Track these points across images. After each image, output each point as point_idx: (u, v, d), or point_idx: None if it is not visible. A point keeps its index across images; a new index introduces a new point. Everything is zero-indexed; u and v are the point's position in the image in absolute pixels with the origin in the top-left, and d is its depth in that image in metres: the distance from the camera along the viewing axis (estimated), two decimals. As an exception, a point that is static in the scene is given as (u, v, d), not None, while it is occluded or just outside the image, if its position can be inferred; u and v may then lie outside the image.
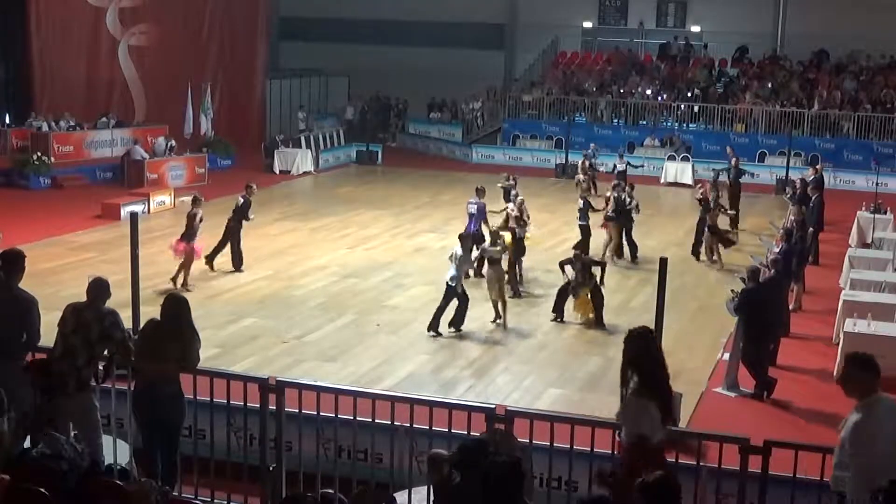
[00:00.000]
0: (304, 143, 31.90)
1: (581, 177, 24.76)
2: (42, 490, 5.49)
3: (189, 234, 16.21)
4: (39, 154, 25.93)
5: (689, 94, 34.65)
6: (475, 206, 17.82)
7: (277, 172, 29.58)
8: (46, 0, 28.84)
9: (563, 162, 30.44)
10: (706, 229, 19.24)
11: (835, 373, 12.84)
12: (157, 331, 7.76)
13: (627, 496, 5.68)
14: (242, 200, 17.67)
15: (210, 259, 17.32)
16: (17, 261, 8.04)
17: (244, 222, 17.61)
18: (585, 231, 19.04)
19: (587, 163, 25.84)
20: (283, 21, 41.51)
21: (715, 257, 19.09)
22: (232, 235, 17.52)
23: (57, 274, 16.25)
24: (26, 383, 7.95)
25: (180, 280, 16.14)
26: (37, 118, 27.93)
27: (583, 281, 15.05)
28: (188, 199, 24.28)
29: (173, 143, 27.91)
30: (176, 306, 7.80)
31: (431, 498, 6.72)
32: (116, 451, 8.00)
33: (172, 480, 7.57)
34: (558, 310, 15.20)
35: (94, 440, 7.74)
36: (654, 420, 6.52)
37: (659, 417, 6.55)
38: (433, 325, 14.20)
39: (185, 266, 16.20)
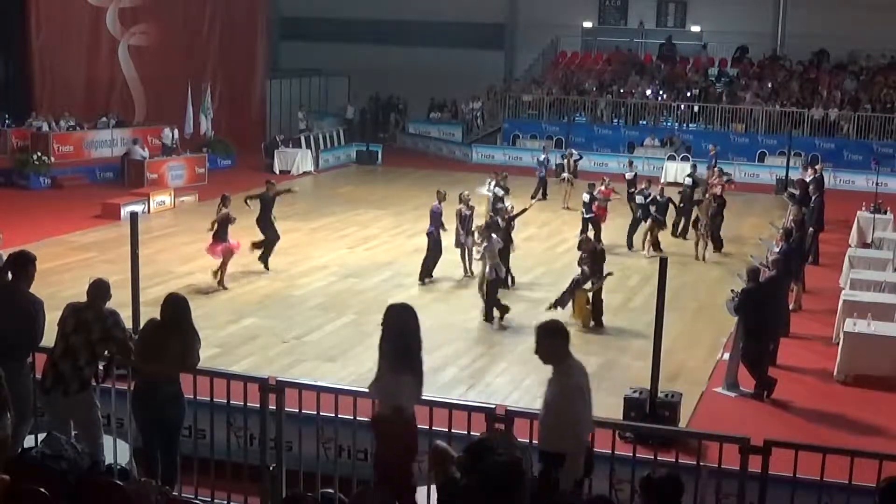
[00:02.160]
0: (304, 143, 31.92)
1: (567, 175, 25.73)
2: (42, 490, 5.49)
3: (221, 234, 16.32)
4: (39, 154, 25.93)
5: (689, 94, 34.65)
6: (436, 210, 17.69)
7: (277, 172, 29.53)
8: (46, 0, 28.85)
9: (562, 161, 30.40)
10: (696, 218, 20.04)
11: (835, 373, 12.86)
12: (157, 331, 7.76)
13: (385, 465, 6.66)
14: (262, 195, 17.90)
15: (263, 260, 17.63)
16: (25, 264, 8.01)
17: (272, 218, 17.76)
18: (591, 223, 19.60)
19: (572, 161, 26.48)
20: (283, 21, 41.51)
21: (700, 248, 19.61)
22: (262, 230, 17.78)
23: (57, 274, 16.24)
24: (29, 384, 7.97)
25: (219, 277, 16.37)
26: (37, 118, 27.93)
27: (590, 275, 14.90)
28: (188, 199, 24.47)
29: (177, 132, 28.48)
30: (175, 306, 7.79)
31: (436, 497, 6.69)
32: (116, 451, 7.99)
33: (172, 480, 7.57)
34: (562, 302, 15.11)
35: (95, 440, 7.74)
36: (411, 393, 6.79)
37: (415, 391, 6.82)
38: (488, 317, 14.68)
39: (223, 264, 16.37)
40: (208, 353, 10.31)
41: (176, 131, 28.77)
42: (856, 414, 11.70)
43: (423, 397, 7.17)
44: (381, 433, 6.83)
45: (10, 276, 8.00)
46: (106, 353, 7.88)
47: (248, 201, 17.92)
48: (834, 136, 32.22)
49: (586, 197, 20.32)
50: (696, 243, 19.71)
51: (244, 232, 17.55)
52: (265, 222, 17.76)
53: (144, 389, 7.69)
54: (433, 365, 13.00)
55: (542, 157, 27.58)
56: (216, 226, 16.35)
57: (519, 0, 39.23)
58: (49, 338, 7.94)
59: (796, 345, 14.10)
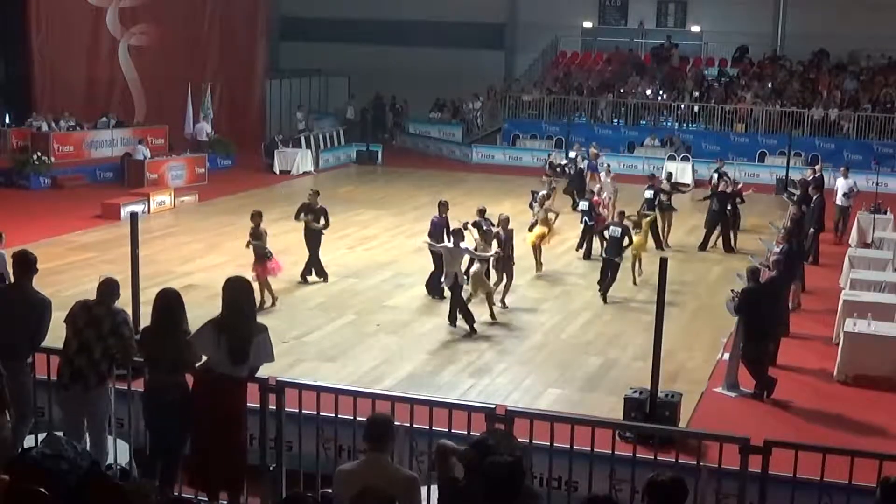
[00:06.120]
0: (304, 143, 31.91)
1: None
2: (42, 490, 5.48)
3: (259, 256, 15.36)
4: (39, 154, 25.92)
5: (689, 95, 34.63)
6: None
7: (277, 172, 29.56)
8: (46, 0, 28.86)
9: (564, 161, 30.37)
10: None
11: (835, 373, 12.86)
12: (152, 333, 7.72)
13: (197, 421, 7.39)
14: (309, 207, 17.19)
15: (305, 276, 16.97)
16: (29, 262, 8.07)
17: (317, 229, 17.10)
18: (589, 231, 19.26)
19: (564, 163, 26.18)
20: (283, 21, 41.51)
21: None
22: (308, 243, 17.17)
23: (57, 274, 16.23)
24: (29, 384, 7.99)
25: (268, 300, 15.38)
26: (37, 118, 27.92)
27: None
28: (189, 199, 24.46)
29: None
30: (164, 302, 7.74)
31: (438, 495, 6.69)
32: (116, 451, 8.00)
33: (173, 480, 7.56)
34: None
35: (101, 435, 7.81)
36: (216, 349, 7.30)
37: (226, 351, 7.27)
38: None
39: (262, 286, 15.18)
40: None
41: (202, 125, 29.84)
42: (856, 414, 11.69)
43: (424, 397, 7.17)
44: (194, 389, 7.44)
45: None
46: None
47: (306, 220, 17.11)
48: (834, 136, 32.20)
49: (584, 205, 19.60)
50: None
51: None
52: (315, 236, 17.01)
53: (150, 395, 7.66)
54: (434, 365, 13.04)
55: (574, 154, 26.08)
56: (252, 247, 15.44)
57: (519, 0, 39.23)
58: (54, 336, 7.96)
59: (796, 345, 14.09)
